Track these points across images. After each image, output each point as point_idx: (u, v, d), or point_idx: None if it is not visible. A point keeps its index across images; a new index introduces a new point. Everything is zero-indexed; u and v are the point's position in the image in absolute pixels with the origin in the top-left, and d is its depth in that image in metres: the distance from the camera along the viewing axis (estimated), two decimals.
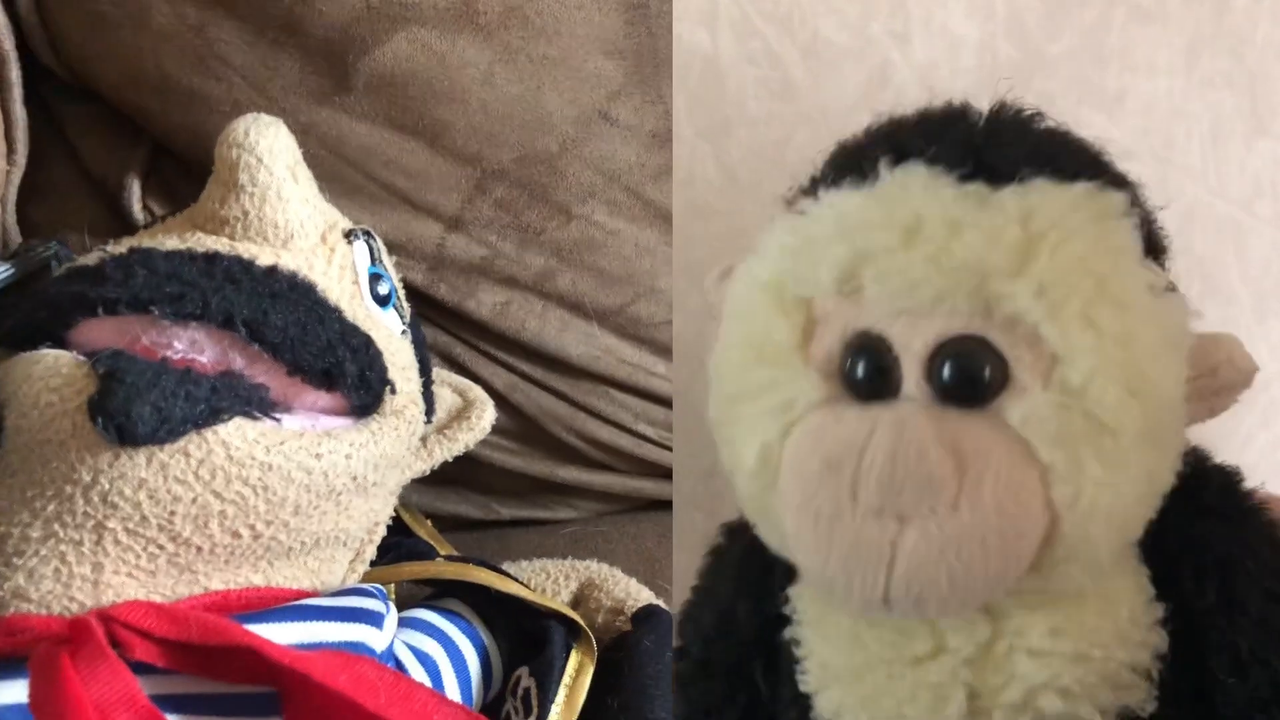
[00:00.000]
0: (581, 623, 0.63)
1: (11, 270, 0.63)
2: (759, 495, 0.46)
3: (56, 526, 0.50)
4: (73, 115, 0.80)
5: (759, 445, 0.45)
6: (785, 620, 0.52)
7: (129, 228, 0.76)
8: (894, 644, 0.45)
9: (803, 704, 0.49)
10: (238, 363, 0.52)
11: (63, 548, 0.50)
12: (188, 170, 0.76)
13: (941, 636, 0.44)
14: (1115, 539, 0.43)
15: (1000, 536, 0.40)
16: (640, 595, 0.70)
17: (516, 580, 0.65)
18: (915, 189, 0.44)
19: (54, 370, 0.50)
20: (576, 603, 0.71)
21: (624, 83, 0.77)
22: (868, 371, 0.44)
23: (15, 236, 0.76)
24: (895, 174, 0.45)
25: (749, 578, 0.54)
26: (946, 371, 0.42)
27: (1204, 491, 0.47)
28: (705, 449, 0.75)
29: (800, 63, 0.73)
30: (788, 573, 0.52)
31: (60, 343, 0.53)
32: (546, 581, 0.72)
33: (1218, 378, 0.45)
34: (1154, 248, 0.47)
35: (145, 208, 0.78)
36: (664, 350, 0.85)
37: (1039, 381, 0.41)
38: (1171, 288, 0.45)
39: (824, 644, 0.49)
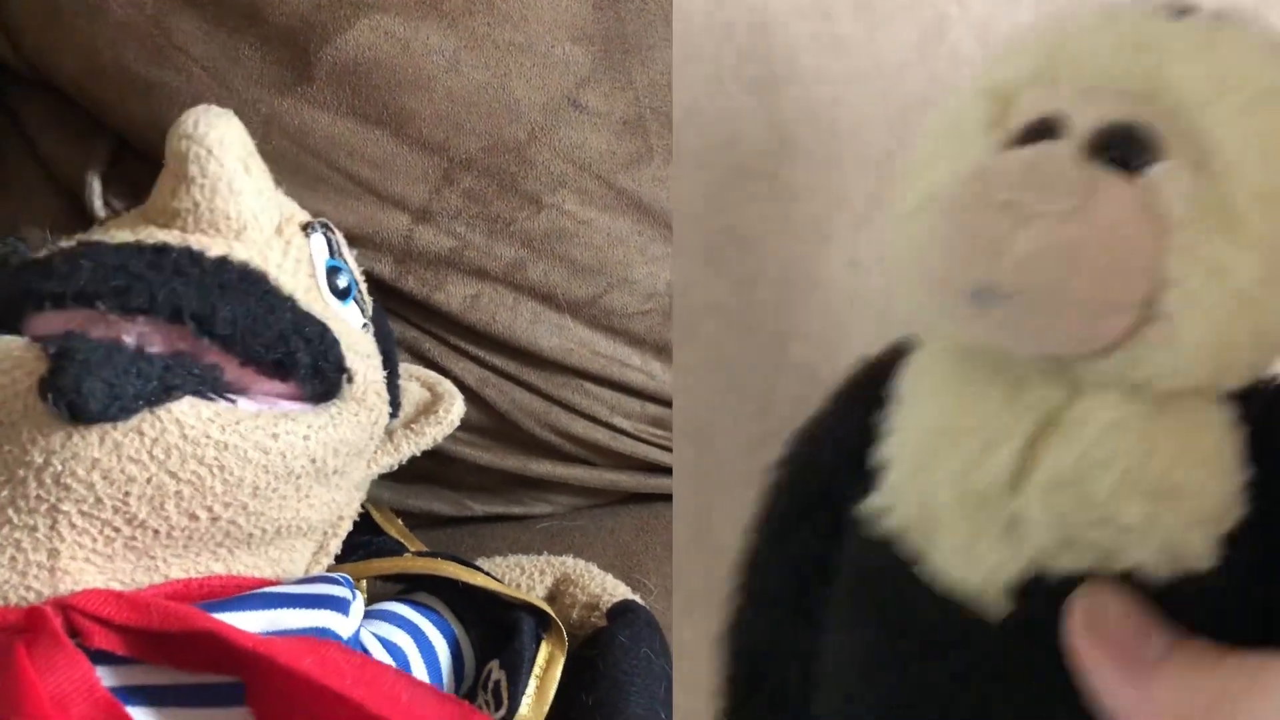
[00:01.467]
0: (551, 613, 0.62)
1: None
2: (914, 233, 0.47)
3: (10, 512, 0.49)
4: (31, 109, 0.79)
5: (926, 186, 0.46)
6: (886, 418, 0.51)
7: (91, 224, 0.75)
8: (978, 393, 0.45)
9: (875, 482, 0.48)
10: (189, 352, 0.51)
11: (17, 534, 0.49)
12: (150, 165, 0.74)
13: (1020, 387, 0.44)
14: (1209, 349, 0.41)
15: (1107, 260, 0.40)
16: (616, 590, 0.69)
17: (487, 574, 0.64)
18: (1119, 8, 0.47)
19: (5, 353, 0.49)
20: (551, 598, 0.70)
21: (593, 69, 0.76)
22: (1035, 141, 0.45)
23: None
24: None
25: (865, 390, 0.52)
26: (1107, 150, 0.43)
27: None
28: (711, 427, 0.75)
29: (852, 16, 0.72)
30: (901, 366, 0.51)
31: (12, 332, 0.51)
32: (521, 577, 0.71)
33: None
34: None
35: (107, 204, 0.77)
36: (638, 341, 0.85)
37: (1190, 164, 0.42)
38: None
39: (915, 406, 0.48)
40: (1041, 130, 0.45)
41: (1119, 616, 0.41)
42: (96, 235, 0.56)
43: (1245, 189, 0.40)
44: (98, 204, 0.76)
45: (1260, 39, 0.44)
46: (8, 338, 0.50)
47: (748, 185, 0.72)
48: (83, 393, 0.46)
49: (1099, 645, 0.40)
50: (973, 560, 0.43)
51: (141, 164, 0.77)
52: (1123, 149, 0.42)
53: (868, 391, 0.51)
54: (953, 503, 0.43)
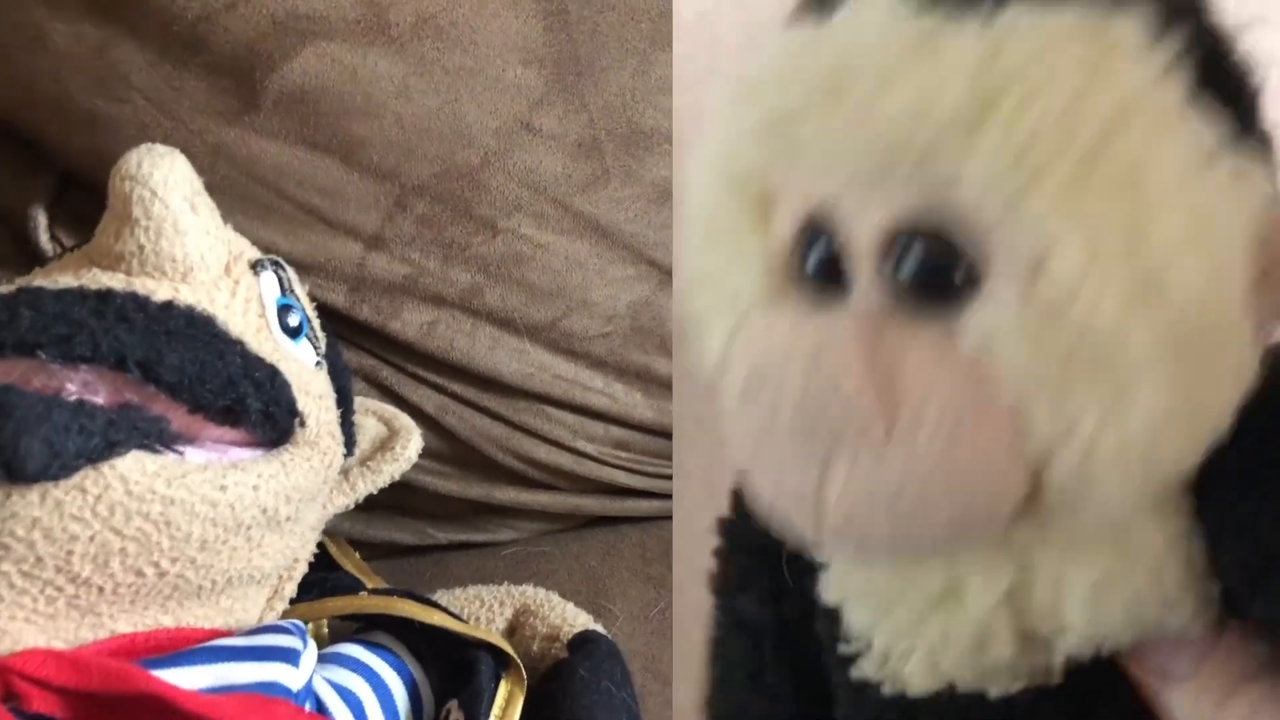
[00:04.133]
0: (510, 651, 0.61)
1: None
2: (724, 405, 0.38)
3: None
4: None
5: (716, 344, 0.39)
6: None
7: (37, 260, 0.74)
8: (905, 574, 0.39)
9: (832, 611, 0.43)
10: (134, 402, 0.49)
11: None
12: (97, 197, 0.73)
13: (956, 573, 0.37)
14: (1138, 481, 0.33)
15: (946, 488, 0.32)
16: (576, 620, 0.68)
17: (444, 610, 0.63)
18: (865, 24, 0.34)
19: None
20: (511, 630, 0.69)
21: (545, 91, 0.75)
22: (817, 261, 0.36)
23: None
24: (849, 8, 0.35)
25: None
26: (901, 267, 0.33)
27: None
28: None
29: None
30: None
31: None
32: (481, 609, 0.70)
33: None
34: (1230, 87, 0.34)
35: (54, 238, 0.75)
36: (599, 364, 0.84)
37: (1017, 285, 0.31)
38: (1243, 140, 0.33)
39: (838, 556, 0.42)
40: (814, 236, 0.36)
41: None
42: (38, 280, 0.54)
43: (1107, 311, 0.31)
44: (43, 238, 0.75)
45: (1063, 43, 0.32)
46: None
47: None
48: (20, 452, 0.44)
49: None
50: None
51: (87, 196, 0.75)
52: (928, 286, 0.33)
53: None
54: (969, 677, 0.39)
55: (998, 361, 0.32)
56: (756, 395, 0.34)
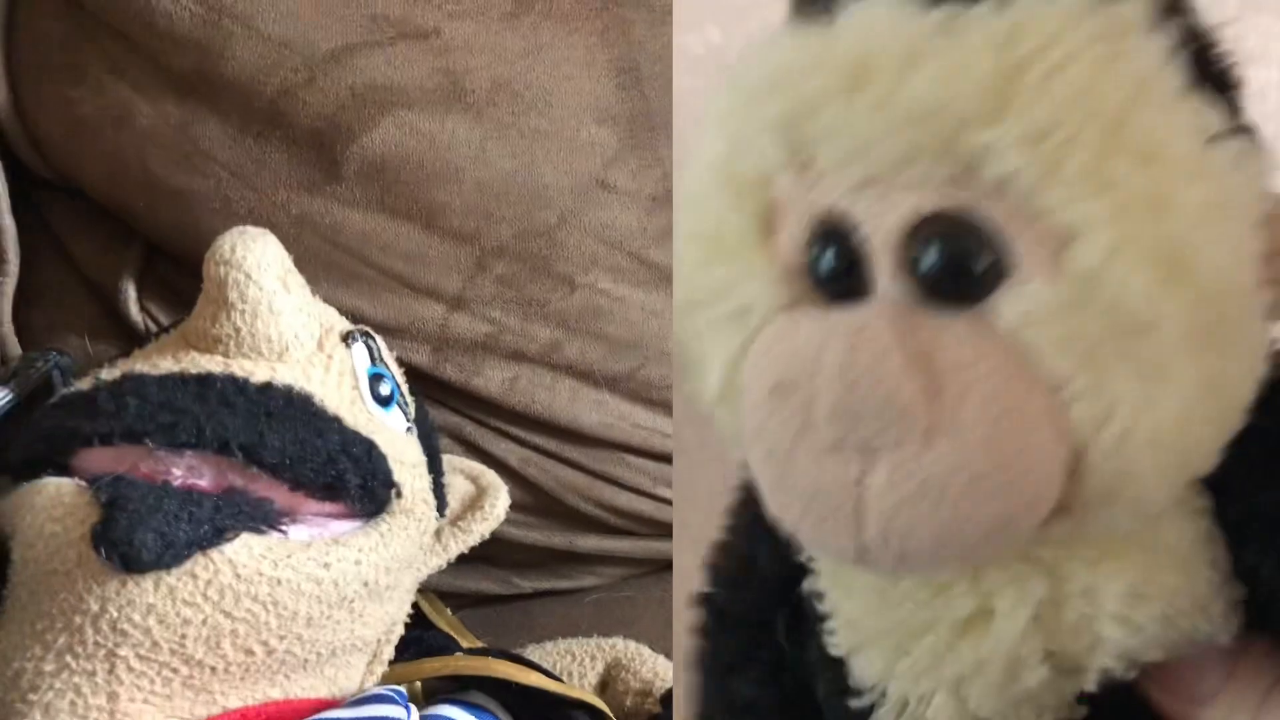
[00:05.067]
0: (607, 711, 0.62)
1: (12, 395, 0.62)
2: (729, 425, 0.37)
3: (69, 658, 0.49)
4: (61, 214, 0.79)
5: (720, 364, 0.37)
6: (805, 569, 0.43)
7: (128, 330, 0.75)
8: (929, 603, 0.37)
9: (838, 667, 0.41)
10: (238, 484, 0.51)
11: (76, 679, 0.49)
12: (183, 268, 0.75)
13: (985, 595, 0.36)
14: (1172, 471, 0.33)
15: (995, 474, 0.31)
16: (668, 675, 0.69)
17: (539, 669, 0.64)
18: (878, 18, 0.33)
19: (56, 500, 0.50)
20: (604, 685, 0.70)
21: (619, 149, 0.76)
22: (833, 264, 0.35)
23: (14, 347, 0.76)
24: (854, 10, 0.34)
25: (769, 518, 0.41)
26: (925, 260, 0.33)
27: None
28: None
29: None
30: None
31: (63, 469, 0.52)
32: (573, 664, 0.71)
33: None
34: (1216, 82, 0.35)
35: (143, 309, 0.77)
36: None
37: (1044, 269, 0.31)
38: (1236, 131, 0.33)
39: (848, 599, 0.40)
40: (829, 238, 0.35)
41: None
42: (138, 365, 0.56)
43: (1137, 286, 0.30)
44: (133, 310, 0.76)
45: (1073, 24, 0.32)
46: (57, 481, 0.51)
47: None
48: (134, 544, 0.46)
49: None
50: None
51: (175, 267, 0.77)
52: (954, 276, 0.32)
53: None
54: (996, 713, 0.38)
55: (1037, 338, 0.31)
56: (787, 395, 0.33)
